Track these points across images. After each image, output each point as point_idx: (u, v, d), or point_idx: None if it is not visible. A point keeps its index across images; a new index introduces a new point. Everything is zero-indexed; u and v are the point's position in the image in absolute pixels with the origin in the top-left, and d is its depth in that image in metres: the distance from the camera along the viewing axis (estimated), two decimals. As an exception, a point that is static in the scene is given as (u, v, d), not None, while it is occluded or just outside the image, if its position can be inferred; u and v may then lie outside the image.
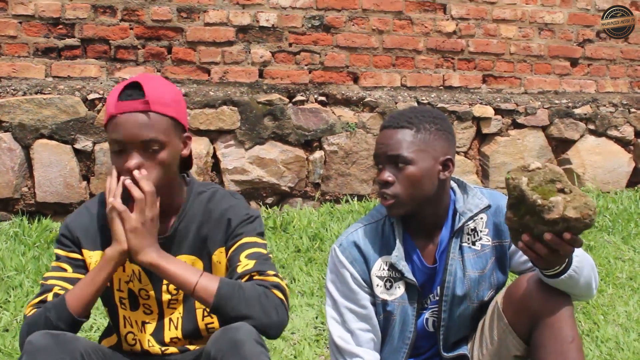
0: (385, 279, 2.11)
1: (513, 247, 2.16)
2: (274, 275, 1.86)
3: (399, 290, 2.11)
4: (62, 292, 1.84)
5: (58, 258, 1.94)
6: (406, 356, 2.17)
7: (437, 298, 2.15)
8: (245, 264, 1.86)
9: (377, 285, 2.11)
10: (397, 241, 2.11)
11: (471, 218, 2.13)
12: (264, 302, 1.75)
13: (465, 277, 2.13)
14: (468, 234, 2.16)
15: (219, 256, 1.95)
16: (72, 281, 1.87)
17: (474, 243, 2.16)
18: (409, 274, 2.10)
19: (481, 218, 2.16)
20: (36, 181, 4.45)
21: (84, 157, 4.55)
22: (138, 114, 1.80)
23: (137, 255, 1.76)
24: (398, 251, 2.10)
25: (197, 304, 1.96)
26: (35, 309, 1.83)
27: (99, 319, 3.21)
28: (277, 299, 1.79)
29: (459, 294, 2.13)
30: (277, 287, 1.82)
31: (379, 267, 2.12)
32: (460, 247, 2.14)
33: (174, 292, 1.95)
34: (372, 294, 2.12)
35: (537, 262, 1.85)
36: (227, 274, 1.91)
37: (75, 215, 1.98)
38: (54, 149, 4.45)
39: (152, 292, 1.94)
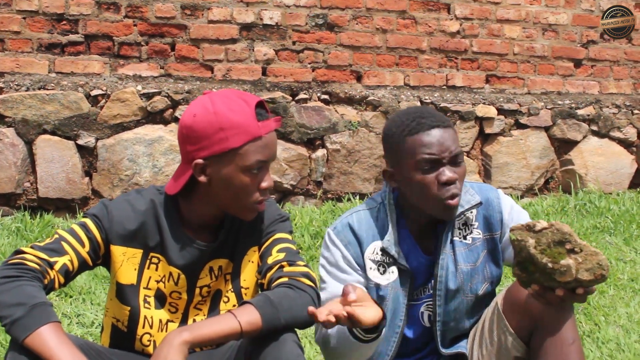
0: (379, 263, 2.11)
1: (505, 239, 2.17)
2: (304, 265, 1.89)
3: (393, 275, 2.11)
4: (69, 264, 1.80)
5: (84, 228, 1.87)
6: (395, 346, 2.15)
7: (431, 292, 2.15)
8: (275, 256, 1.91)
9: (371, 268, 2.11)
10: (390, 226, 2.11)
11: (462, 214, 2.14)
12: (300, 302, 1.77)
13: (457, 271, 2.13)
14: (459, 228, 2.16)
15: (252, 256, 1.98)
16: (81, 259, 1.83)
17: (465, 237, 2.16)
18: (401, 260, 2.10)
19: (471, 212, 2.17)
20: (38, 176, 4.46)
21: (87, 153, 4.55)
22: (274, 132, 1.88)
23: (170, 349, 1.64)
24: (390, 236, 2.10)
25: (222, 306, 1.95)
26: (33, 265, 1.73)
27: (100, 315, 3.21)
28: (308, 291, 1.81)
29: (452, 288, 2.13)
30: (306, 275, 1.85)
31: (372, 251, 2.12)
32: (452, 241, 2.15)
33: (205, 294, 1.95)
34: (366, 277, 2.11)
35: (548, 305, 1.86)
36: (259, 267, 1.95)
37: (116, 205, 1.92)
38: (56, 144, 4.46)
39: (184, 295, 1.94)
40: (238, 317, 1.70)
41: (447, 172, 2.01)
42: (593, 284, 1.76)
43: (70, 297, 3.44)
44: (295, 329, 1.79)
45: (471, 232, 2.17)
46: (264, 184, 1.86)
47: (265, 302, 1.73)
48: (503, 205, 2.18)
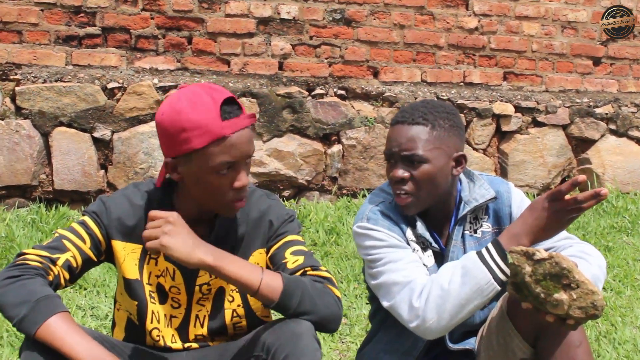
0: (418, 245, 2.08)
1: None
2: (326, 270, 1.87)
3: (430, 259, 2.08)
4: (72, 260, 1.81)
5: (84, 225, 1.87)
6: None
7: None
8: (294, 259, 1.87)
9: (414, 249, 2.07)
10: (416, 216, 2.08)
11: (476, 207, 2.12)
12: (325, 298, 1.76)
13: None
14: (470, 222, 2.15)
15: (258, 257, 1.94)
16: (84, 256, 1.84)
17: (475, 231, 2.15)
18: (435, 243, 2.09)
19: (482, 205, 2.14)
20: (54, 169, 4.47)
21: (102, 146, 4.56)
22: (247, 130, 1.78)
23: (188, 257, 1.67)
24: (420, 223, 2.08)
25: (227, 304, 1.94)
26: (35, 263, 1.74)
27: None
28: (334, 295, 1.80)
29: None
30: (331, 281, 1.83)
31: (410, 235, 2.09)
32: (463, 235, 2.13)
33: (206, 292, 1.93)
34: None
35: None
36: (273, 270, 1.91)
37: (114, 201, 1.91)
38: (72, 137, 4.47)
39: (183, 291, 1.92)
40: (263, 275, 1.72)
41: (395, 170, 2.02)
42: (584, 321, 1.74)
43: (85, 289, 3.45)
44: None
45: (481, 226, 2.16)
46: (236, 184, 1.79)
47: (296, 283, 1.74)
48: (513, 199, 2.16)
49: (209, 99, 1.73)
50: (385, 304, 2.01)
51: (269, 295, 1.71)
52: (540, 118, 5.33)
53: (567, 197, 1.80)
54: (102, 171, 4.57)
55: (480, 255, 1.89)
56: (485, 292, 1.86)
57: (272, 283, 1.71)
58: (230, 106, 1.76)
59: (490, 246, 1.90)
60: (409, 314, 1.93)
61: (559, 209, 1.83)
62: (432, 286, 1.91)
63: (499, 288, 1.86)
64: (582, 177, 1.77)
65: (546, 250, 2.07)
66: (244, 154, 1.78)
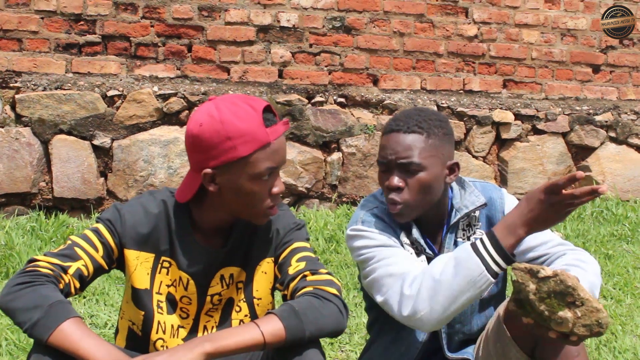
0: (412, 249, 2.08)
1: None
2: (327, 273, 1.86)
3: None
4: (84, 269, 1.79)
5: (97, 233, 1.86)
6: (426, 337, 2.13)
7: None
8: (296, 265, 1.87)
9: (409, 252, 2.07)
10: (411, 222, 2.09)
11: (466, 215, 2.11)
12: (325, 310, 1.74)
13: None
14: (463, 229, 2.14)
15: (266, 267, 1.94)
16: (96, 264, 1.82)
17: (468, 238, 2.14)
18: (429, 249, 2.09)
19: (474, 212, 2.13)
20: (54, 176, 4.47)
21: (102, 154, 4.56)
22: (284, 136, 1.83)
23: (189, 355, 1.61)
24: (415, 229, 2.08)
25: (234, 315, 1.94)
26: (46, 270, 1.73)
27: (114, 316, 3.21)
28: (333, 298, 1.77)
29: None
30: (331, 283, 1.81)
31: (404, 239, 2.09)
32: (455, 242, 2.12)
33: (217, 302, 1.93)
34: None
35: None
36: (280, 278, 1.91)
37: (129, 209, 1.90)
38: (72, 144, 4.47)
39: (194, 301, 1.92)
40: (261, 327, 1.67)
41: (391, 178, 2.01)
42: (588, 337, 1.73)
43: (84, 297, 3.44)
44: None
45: (474, 233, 2.15)
46: (275, 189, 1.83)
47: (290, 313, 1.70)
48: (506, 205, 2.16)
49: (249, 108, 1.76)
50: (378, 299, 1.98)
51: (278, 340, 1.68)
52: (540, 126, 5.33)
53: (565, 191, 1.77)
54: (102, 179, 4.57)
55: (474, 246, 1.86)
56: (478, 284, 1.83)
57: (273, 328, 1.67)
58: (268, 113, 1.80)
59: (484, 237, 1.87)
60: (400, 305, 1.90)
61: (555, 202, 1.79)
62: (424, 277, 1.89)
63: (493, 280, 1.83)
64: (580, 174, 1.72)
65: (540, 257, 2.07)
66: (283, 159, 1.83)
